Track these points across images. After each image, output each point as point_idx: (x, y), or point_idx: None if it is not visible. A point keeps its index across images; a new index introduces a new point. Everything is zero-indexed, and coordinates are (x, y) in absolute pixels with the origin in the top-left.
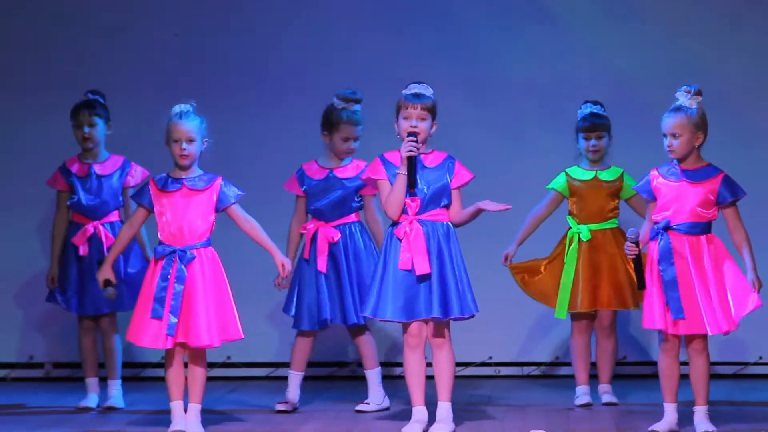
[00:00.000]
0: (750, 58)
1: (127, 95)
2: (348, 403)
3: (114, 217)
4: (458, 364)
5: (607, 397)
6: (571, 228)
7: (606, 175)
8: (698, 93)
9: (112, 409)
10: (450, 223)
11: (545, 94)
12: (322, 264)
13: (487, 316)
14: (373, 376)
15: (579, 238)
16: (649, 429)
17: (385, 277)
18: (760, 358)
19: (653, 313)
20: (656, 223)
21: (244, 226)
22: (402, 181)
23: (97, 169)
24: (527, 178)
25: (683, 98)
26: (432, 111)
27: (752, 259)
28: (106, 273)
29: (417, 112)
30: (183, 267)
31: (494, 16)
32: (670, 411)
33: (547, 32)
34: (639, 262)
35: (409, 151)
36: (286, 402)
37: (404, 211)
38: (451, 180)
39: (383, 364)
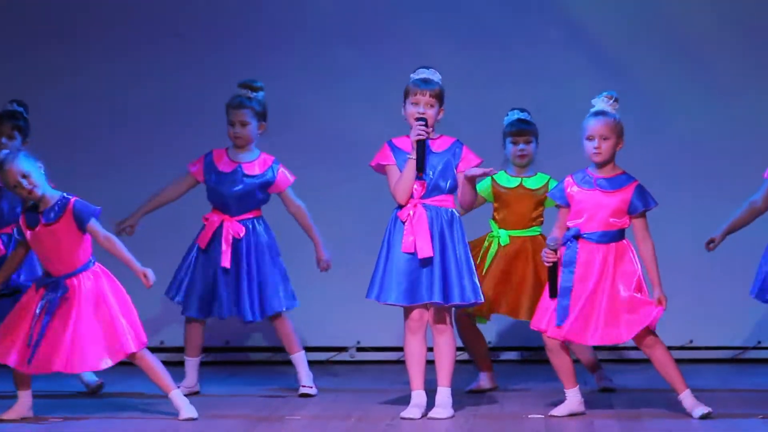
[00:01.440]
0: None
1: (126, 94)
2: (347, 387)
3: (10, 230)
4: (457, 350)
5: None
6: (491, 231)
7: (531, 183)
8: (617, 100)
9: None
10: (455, 210)
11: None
12: (227, 260)
13: None
14: (300, 359)
15: (498, 243)
16: (551, 413)
17: (388, 260)
18: (759, 342)
19: (544, 315)
20: (568, 229)
21: (102, 242)
22: (412, 165)
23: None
24: None
25: (603, 104)
26: (440, 97)
27: (657, 274)
28: None
29: (425, 99)
30: (56, 299)
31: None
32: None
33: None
34: (554, 270)
35: (418, 135)
36: (187, 387)
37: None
38: (457, 164)
39: (384, 349)
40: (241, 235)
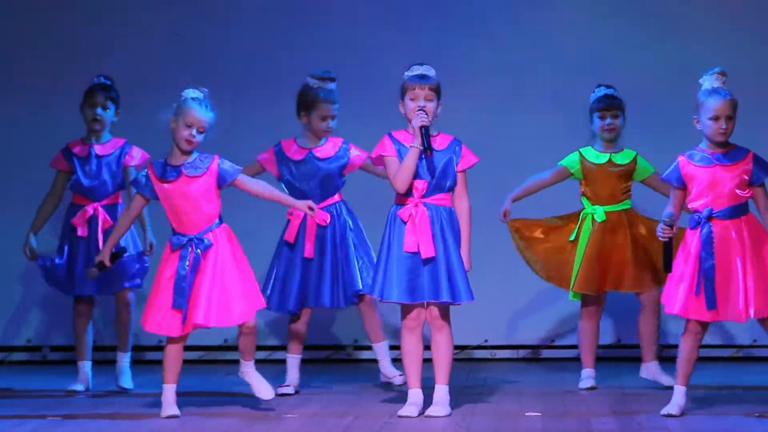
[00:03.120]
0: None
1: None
2: (345, 385)
3: (114, 199)
4: (454, 348)
5: (665, 380)
6: (584, 209)
7: (619, 158)
8: (725, 74)
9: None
10: (453, 208)
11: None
12: (310, 249)
13: (483, 299)
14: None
15: (593, 219)
16: (663, 413)
17: (389, 258)
18: (755, 341)
19: (682, 300)
20: (697, 211)
21: (256, 190)
22: (414, 154)
23: (97, 149)
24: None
25: (718, 82)
26: (437, 91)
27: None
28: (102, 256)
29: (424, 93)
30: (199, 254)
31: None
32: (681, 394)
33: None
34: (670, 245)
35: (422, 121)
36: (288, 385)
37: (409, 194)
38: (457, 163)
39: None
40: (327, 222)
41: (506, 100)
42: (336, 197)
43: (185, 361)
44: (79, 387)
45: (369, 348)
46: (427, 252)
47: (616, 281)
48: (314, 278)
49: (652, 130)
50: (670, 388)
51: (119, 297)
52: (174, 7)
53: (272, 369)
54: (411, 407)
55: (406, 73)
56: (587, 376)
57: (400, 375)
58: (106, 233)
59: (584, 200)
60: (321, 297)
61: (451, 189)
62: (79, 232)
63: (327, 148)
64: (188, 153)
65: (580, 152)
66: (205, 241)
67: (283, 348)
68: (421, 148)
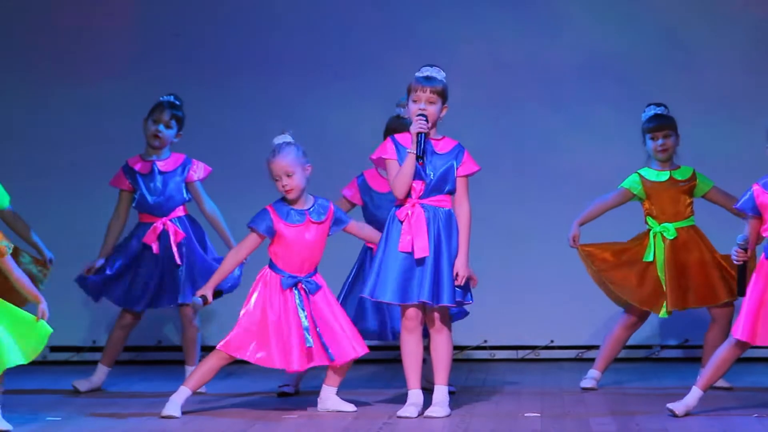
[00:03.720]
0: None
1: (126, 94)
2: (344, 386)
3: (180, 212)
4: (453, 348)
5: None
6: (651, 229)
7: (680, 174)
8: None
9: None
10: (452, 211)
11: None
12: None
13: (482, 299)
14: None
15: (662, 237)
16: (668, 406)
17: (384, 258)
18: None
19: (755, 327)
20: None
21: (364, 236)
22: (411, 159)
23: (160, 165)
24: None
25: None
26: (442, 94)
27: None
28: (205, 290)
29: (426, 95)
30: (310, 296)
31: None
32: (695, 397)
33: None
34: (744, 268)
35: (419, 128)
36: (288, 384)
37: (408, 194)
38: (457, 168)
39: (379, 348)
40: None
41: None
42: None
43: (183, 362)
44: (86, 387)
45: (369, 348)
46: (420, 252)
47: (704, 297)
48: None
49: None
50: (725, 388)
51: (181, 312)
52: (174, 7)
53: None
54: (410, 408)
55: (416, 74)
56: (591, 377)
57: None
58: (180, 245)
59: (650, 220)
60: None
61: (451, 192)
62: (154, 250)
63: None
64: (295, 199)
65: (639, 173)
66: (314, 284)
67: None
68: (414, 153)
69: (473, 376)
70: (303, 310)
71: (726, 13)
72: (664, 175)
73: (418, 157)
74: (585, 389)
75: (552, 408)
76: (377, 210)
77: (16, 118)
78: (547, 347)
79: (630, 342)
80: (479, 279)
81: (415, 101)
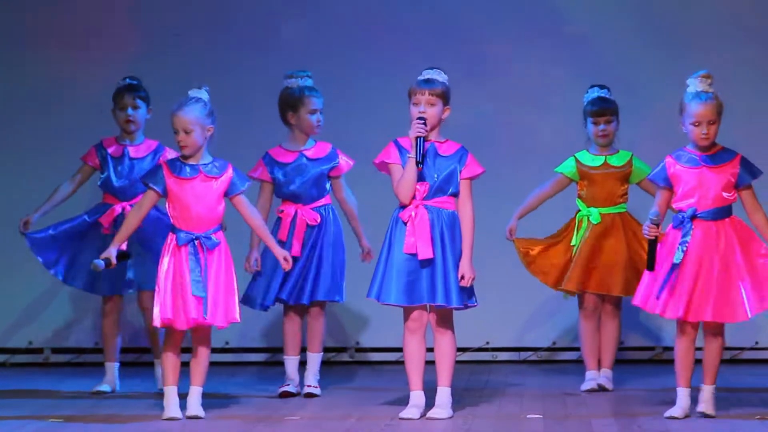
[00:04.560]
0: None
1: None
2: (347, 387)
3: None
4: (457, 350)
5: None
6: (580, 211)
7: (616, 160)
8: (710, 77)
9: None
10: (456, 212)
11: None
12: (297, 248)
13: (485, 301)
14: (317, 359)
15: (588, 221)
16: (666, 415)
17: (389, 260)
18: (757, 343)
19: (662, 300)
20: (681, 211)
21: (248, 216)
22: (412, 164)
23: (131, 151)
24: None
25: (704, 85)
26: (442, 96)
27: None
28: (109, 252)
29: (425, 98)
30: (206, 253)
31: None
32: (684, 396)
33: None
34: (655, 243)
35: (417, 132)
36: (288, 384)
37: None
38: (461, 170)
39: (384, 350)
40: (318, 221)
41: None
42: (325, 199)
43: (186, 363)
44: (106, 388)
45: (371, 350)
46: (424, 253)
47: (606, 284)
48: (297, 276)
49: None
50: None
51: (140, 299)
52: (174, 7)
53: (273, 370)
54: (413, 409)
55: (418, 77)
56: (590, 378)
57: (316, 387)
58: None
59: (579, 203)
60: (302, 296)
61: (455, 194)
62: (104, 230)
63: (317, 149)
64: (188, 156)
65: (575, 157)
66: (212, 239)
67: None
68: (414, 157)
69: (475, 377)
70: (198, 265)
71: None
72: (599, 160)
73: (417, 162)
74: (587, 391)
75: (554, 410)
76: (286, 181)
77: (15, 119)
78: (549, 349)
79: (632, 343)
80: (482, 280)
81: (415, 104)
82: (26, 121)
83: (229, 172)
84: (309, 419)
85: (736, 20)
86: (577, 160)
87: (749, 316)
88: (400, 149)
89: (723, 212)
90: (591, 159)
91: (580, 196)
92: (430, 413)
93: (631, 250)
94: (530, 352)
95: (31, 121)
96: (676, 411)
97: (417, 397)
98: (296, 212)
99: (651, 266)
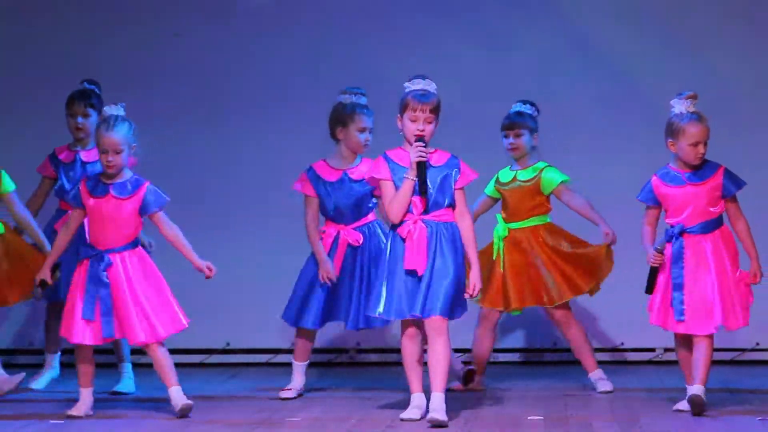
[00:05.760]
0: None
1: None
2: (348, 389)
3: None
4: (455, 350)
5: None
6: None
7: (524, 174)
8: (697, 97)
9: (119, 393)
10: (455, 223)
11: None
12: (337, 268)
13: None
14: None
15: (500, 237)
16: (674, 408)
17: (390, 276)
18: (757, 344)
19: (659, 313)
20: (672, 226)
21: (166, 232)
22: (410, 186)
23: (83, 156)
24: None
25: (693, 106)
26: (437, 111)
27: (755, 249)
28: (43, 274)
29: (425, 116)
30: (104, 271)
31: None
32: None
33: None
34: (656, 270)
35: (419, 157)
36: (290, 389)
37: (409, 209)
38: (456, 180)
39: (383, 351)
40: (360, 242)
41: None
42: (370, 217)
43: (187, 365)
44: (38, 386)
45: (372, 351)
46: (417, 266)
47: (537, 298)
48: (338, 298)
49: None
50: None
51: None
52: (174, 7)
53: (274, 371)
54: (414, 410)
55: (406, 84)
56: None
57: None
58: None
59: (498, 217)
60: (341, 317)
61: (451, 206)
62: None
63: (361, 170)
64: (113, 176)
65: (497, 175)
66: (106, 259)
67: (284, 351)
68: (414, 180)
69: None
70: (93, 282)
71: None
72: (510, 175)
73: (422, 192)
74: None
75: (555, 411)
76: (330, 200)
77: (16, 120)
78: (550, 350)
79: (633, 345)
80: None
81: (413, 121)
82: (25, 121)
83: (142, 192)
84: (310, 421)
85: None
86: (496, 179)
87: (716, 329)
88: (390, 163)
89: (711, 225)
90: (505, 175)
91: (501, 213)
92: (429, 417)
93: (548, 259)
94: (530, 353)
95: (31, 121)
96: (685, 405)
97: (418, 398)
98: (338, 233)
99: (650, 290)
